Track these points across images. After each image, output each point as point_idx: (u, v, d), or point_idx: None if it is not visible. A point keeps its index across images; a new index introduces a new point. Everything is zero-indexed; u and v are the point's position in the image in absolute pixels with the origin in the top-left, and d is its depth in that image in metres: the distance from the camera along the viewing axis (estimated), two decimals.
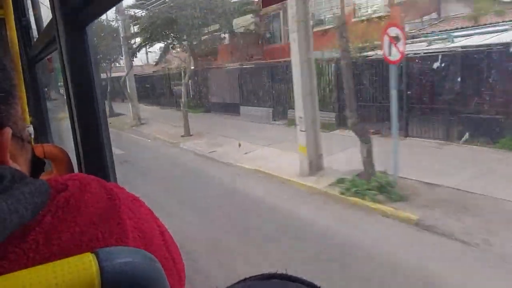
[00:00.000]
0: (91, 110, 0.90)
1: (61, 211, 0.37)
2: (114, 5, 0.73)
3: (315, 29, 11.14)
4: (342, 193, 5.89)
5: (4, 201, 0.32)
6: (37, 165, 0.51)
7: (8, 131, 0.40)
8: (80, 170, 0.94)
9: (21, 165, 0.44)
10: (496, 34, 8.47)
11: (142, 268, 0.32)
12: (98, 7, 0.77)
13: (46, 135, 1.81)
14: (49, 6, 1.01)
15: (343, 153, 7.77)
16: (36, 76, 1.77)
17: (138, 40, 15.66)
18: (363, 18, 11.69)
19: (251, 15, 15.49)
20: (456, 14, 11.49)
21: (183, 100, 13.00)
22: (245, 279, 0.40)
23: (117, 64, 19.94)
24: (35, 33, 1.97)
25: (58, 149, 0.89)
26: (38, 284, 0.29)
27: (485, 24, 9.62)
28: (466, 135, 8.02)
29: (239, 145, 9.80)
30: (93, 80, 0.88)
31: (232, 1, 14.05)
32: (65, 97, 0.96)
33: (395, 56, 5.81)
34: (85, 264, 0.30)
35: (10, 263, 0.32)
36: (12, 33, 1.56)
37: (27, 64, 1.83)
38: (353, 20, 11.64)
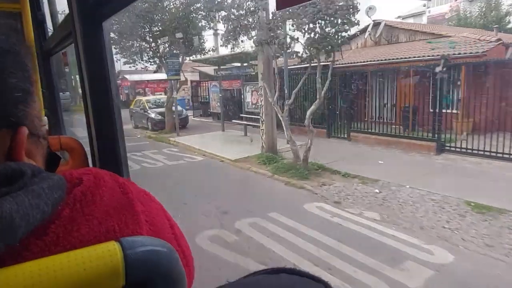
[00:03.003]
0: (106, 105, 0.91)
1: (79, 204, 0.38)
2: (131, 3, 0.74)
3: None
4: None
5: (26, 197, 0.34)
6: (52, 159, 0.53)
7: (24, 131, 0.41)
8: (94, 163, 0.96)
9: (37, 161, 0.45)
10: None
11: (162, 257, 0.35)
12: (115, 4, 0.78)
13: (60, 127, 1.83)
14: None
15: None
16: (50, 69, 1.79)
17: None
18: None
19: None
20: None
21: None
22: (254, 273, 0.41)
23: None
24: (49, 24, 2.00)
25: (74, 141, 0.91)
26: (68, 268, 0.31)
27: None
28: None
29: None
30: (109, 76, 0.89)
31: None
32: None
33: None
34: (111, 251, 0.33)
35: (32, 255, 0.33)
36: (28, 27, 1.59)
37: (41, 57, 1.85)
38: None
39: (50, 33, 1.92)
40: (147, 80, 26.06)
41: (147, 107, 15.61)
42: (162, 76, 23.24)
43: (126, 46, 13.94)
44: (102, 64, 0.89)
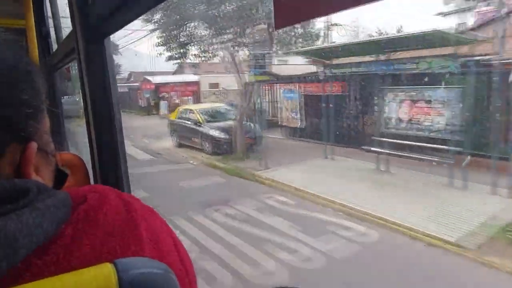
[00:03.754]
0: (107, 120, 0.92)
1: (81, 223, 0.38)
2: (132, 20, 0.75)
3: None
4: None
5: (30, 215, 0.34)
6: (59, 177, 0.53)
7: (34, 146, 0.42)
8: (95, 179, 0.96)
9: (44, 177, 0.46)
10: None
11: (158, 279, 0.34)
12: (117, 22, 0.79)
13: (62, 142, 1.84)
14: (66, 14, 1.04)
15: None
16: (54, 84, 1.81)
17: None
18: None
19: None
20: None
21: None
22: None
23: None
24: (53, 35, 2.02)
25: (75, 157, 0.91)
26: None
27: None
28: None
29: None
30: (110, 92, 0.90)
31: None
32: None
33: None
34: (105, 274, 0.32)
35: (32, 276, 0.33)
36: (33, 42, 1.62)
37: (45, 72, 1.88)
38: None
39: (53, 43, 1.94)
40: (173, 83, 21.30)
41: (201, 120, 11.11)
42: (190, 77, 20.06)
43: (173, 34, 10.47)
44: (104, 81, 0.90)
